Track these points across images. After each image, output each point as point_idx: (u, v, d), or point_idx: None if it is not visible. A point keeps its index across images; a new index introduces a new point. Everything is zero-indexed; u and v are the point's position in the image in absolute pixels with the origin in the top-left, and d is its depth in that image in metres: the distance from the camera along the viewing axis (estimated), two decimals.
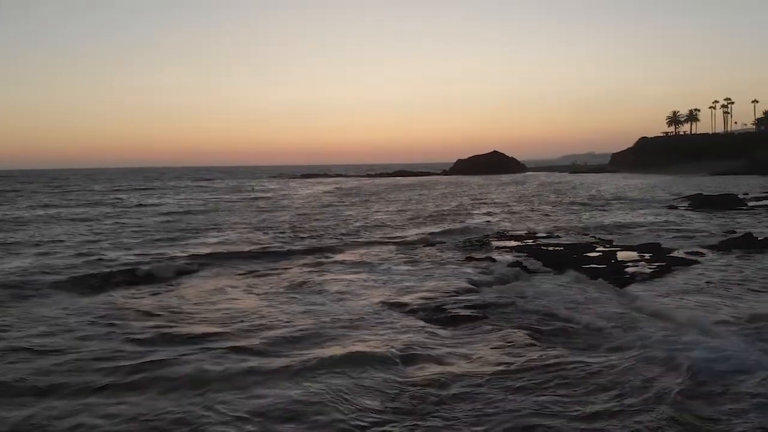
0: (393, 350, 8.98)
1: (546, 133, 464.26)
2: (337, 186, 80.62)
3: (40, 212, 36.93)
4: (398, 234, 23.75)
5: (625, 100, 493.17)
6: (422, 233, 24.02)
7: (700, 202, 34.35)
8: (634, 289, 13.60)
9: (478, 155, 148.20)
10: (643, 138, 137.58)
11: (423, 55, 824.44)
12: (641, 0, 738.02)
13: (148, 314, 11.68)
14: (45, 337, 10.11)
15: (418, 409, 6.96)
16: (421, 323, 11.04)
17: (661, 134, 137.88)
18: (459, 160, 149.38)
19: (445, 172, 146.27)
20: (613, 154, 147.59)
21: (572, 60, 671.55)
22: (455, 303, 12.46)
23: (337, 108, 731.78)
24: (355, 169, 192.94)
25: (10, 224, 29.42)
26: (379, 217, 32.41)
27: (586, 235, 23.28)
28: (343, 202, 45.98)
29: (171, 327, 10.68)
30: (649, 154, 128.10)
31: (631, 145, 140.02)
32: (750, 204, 33.79)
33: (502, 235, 23.23)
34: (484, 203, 43.31)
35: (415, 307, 12.23)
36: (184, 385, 7.72)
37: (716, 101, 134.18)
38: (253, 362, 8.61)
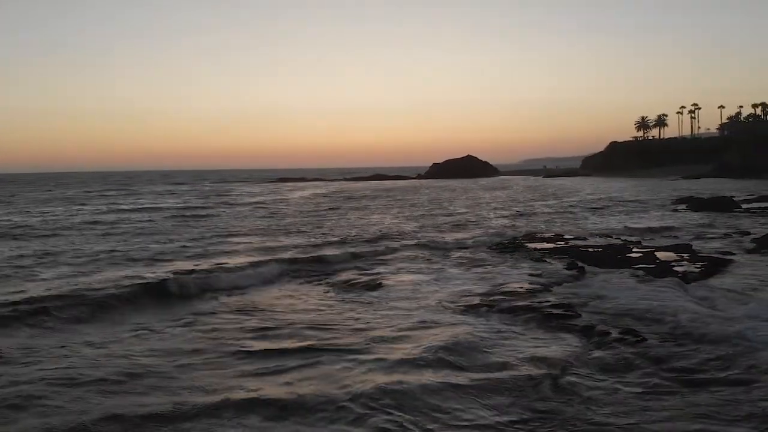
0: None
1: (508, 138, 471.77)
2: (325, 190, 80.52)
3: (41, 219, 36.04)
4: (427, 239, 24.01)
5: (585, 106, 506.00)
6: (452, 237, 24.38)
7: (697, 205, 35.58)
8: (698, 287, 14.21)
9: (453, 159, 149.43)
10: (614, 142, 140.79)
11: (389, 60, 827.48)
12: (606, 8, 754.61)
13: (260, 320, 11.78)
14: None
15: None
16: (521, 325, 11.46)
17: (631, 139, 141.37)
18: (434, 164, 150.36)
19: (420, 176, 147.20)
20: (584, 158, 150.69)
21: (534, 67, 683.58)
22: (540, 303, 12.83)
23: (306, 112, 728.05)
24: (329, 173, 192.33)
25: (20, 230, 28.72)
26: (392, 222, 32.53)
27: (610, 237, 24.01)
28: (340, 207, 45.84)
29: (300, 336, 10.66)
30: (619, 158, 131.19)
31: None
32: (744, 206, 35.15)
33: (533, 237, 23.77)
34: (486, 207, 43.91)
35: (504, 307, 12.62)
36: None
37: (683, 107, 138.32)
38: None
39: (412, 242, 22.77)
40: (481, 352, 9.70)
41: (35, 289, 13.96)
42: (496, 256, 19.83)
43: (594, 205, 41.69)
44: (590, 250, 19.88)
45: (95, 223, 32.29)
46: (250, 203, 51.42)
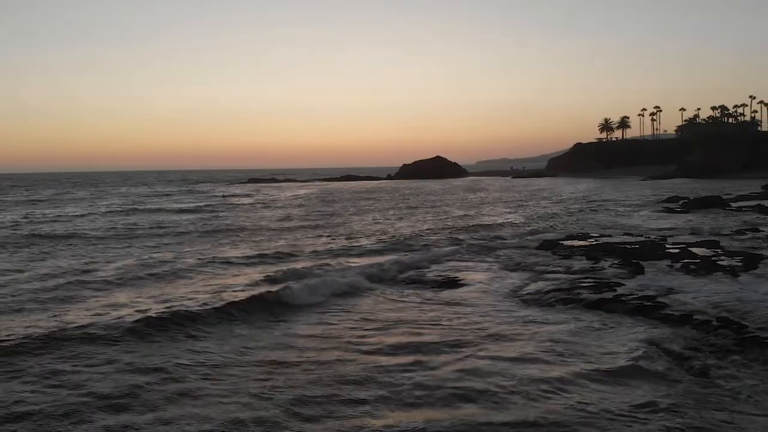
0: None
1: (463, 139, 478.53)
2: (308, 190, 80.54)
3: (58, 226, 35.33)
4: (467, 239, 24.72)
5: (541, 108, 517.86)
6: (489, 237, 25.18)
7: (691, 204, 37.45)
8: (752, 279, 15.40)
9: (423, 160, 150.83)
10: (579, 144, 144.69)
11: (350, 61, 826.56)
12: (566, 10, 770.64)
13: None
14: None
15: None
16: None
17: (595, 140, 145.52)
18: (404, 165, 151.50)
19: (390, 177, 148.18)
20: (550, 159, 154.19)
21: (489, 69, 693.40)
22: (620, 296, 13.73)
23: (264, 112, 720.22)
24: (296, 173, 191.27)
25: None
26: (415, 223, 32.70)
27: (631, 235, 25.29)
28: (338, 211, 45.85)
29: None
30: (584, 159, 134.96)
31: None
32: (733, 205, 37.15)
33: (568, 235, 24.95)
34: (491, 207, 44.93)
35: (589, 300, 13.53)
36: None
37: (644, 109, 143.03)
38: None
39: (457, 244, 23.38)
40: (596, 342, 10.53)
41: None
42: (545, 254, 20.70)
43: (589, 206, 43.12)
44: (628, 246, 21.00)
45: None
46: (254, 203, 51.24)
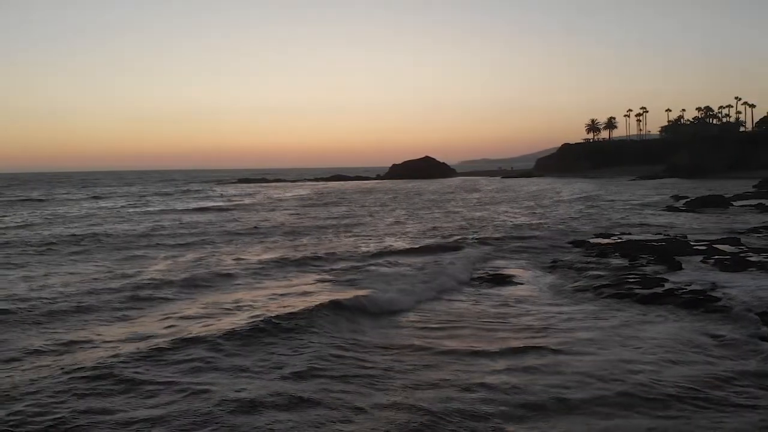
0: None
1: (445, 139, 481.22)
2: (308, 191, 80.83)
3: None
4: (491, 238, 25.43)
5: (522, 108, 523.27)
6: (516, 236, 25.94)
7: (694, 203, 38.61)
8: None
9: (412, 160, 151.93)
10: (566, 144, 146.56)
11: (333, 62, 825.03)
12: (545, 11, 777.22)
13: None
14: None
15: None
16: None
17: (582, 140, 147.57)
18: (394, 165, 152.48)
19: (379, 177, 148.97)
20: (538, 159, 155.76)
21: (472, 69, 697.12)
22: (669, 291, 14.48)
23: (248, 111, 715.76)
24: (281, 174, 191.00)
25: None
26: (429, 225, 32.92)
27: (649, 232, 26.22)
28: (354, 212, 46.07)
29: None
30: (572, 160, 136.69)
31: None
32: (736, 204, 38.40)
33: (589, 234, 25.75)
34: (504, 208, 45.72)
35: (641, 295, 14.26)
36: None
37: (630, 110, 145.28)
38: None
39: (487, 244, 23.97)
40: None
41: None
42: (578, 251, 21.47)
43: (595, 205, 44.06)
44: (654, 244, 21.85)
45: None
46: (261, 203, 51.52)
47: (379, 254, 21.28)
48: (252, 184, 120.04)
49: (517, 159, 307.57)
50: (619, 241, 23.59)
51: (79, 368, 8.80)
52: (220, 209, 45.68)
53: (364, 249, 22.70)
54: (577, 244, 23.13)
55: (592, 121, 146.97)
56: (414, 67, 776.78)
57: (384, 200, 57.17)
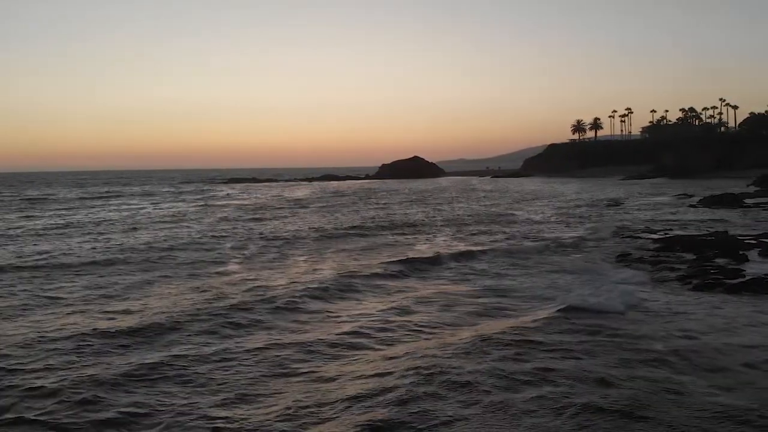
0: None
1: (423, 140, 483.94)
2: (304, 191, 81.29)
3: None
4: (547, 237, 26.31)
5: (491, 111, 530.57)
6: (569, 236, 26.63)
7: (709, 201, 40.20)
8: None
9: (401, 160, 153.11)
10: (553, 144, 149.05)
11: (312, 62, 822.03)
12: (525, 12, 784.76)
13: None
14: None
15: None
16: None
17: (568, 141, 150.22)
18: (384, 165, 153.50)
19: (368, 176, 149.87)
20: (525, 159, 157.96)
21: (445, 71, 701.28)
22: (761, 280, 15.65)
23: (234, 111, 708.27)
24: (268, 173, 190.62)
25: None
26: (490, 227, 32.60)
27: (686, 228, 27.55)
28: (388, 211, 46.25)
29: None
30: (559, 159, 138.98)
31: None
32: (748, 201, 40.08)
33: (635, 232, 26.95)
34: (505, 205, 46.87)
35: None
36: None
37: (615, 111, 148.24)
38: None
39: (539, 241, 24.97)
40: None
41: None
42: (636, 247, 22.45)
43: (606, 205, 45.29)
44: (704, 238, 23.06)
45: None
46: (280, 206, 51.75)
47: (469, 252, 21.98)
48: (246, 184, 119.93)
49: (493, 159, 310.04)
50: (664, 236, 24.77)
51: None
52: (247, 211, 45.97)
53: (445, 247, 23.81)
54: (630, 240, 24.34)
55: (578, 121, 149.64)
56: (392, 67, 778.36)
57: (395, 199, 57.97)
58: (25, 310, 13.13)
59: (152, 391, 8.25)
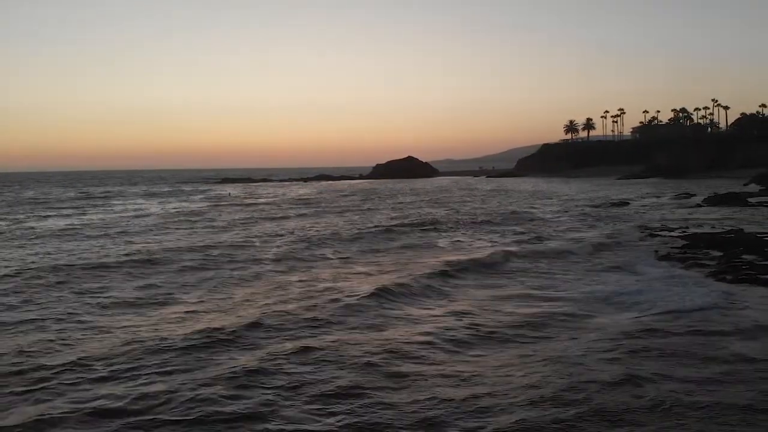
0: None
1: (409, 140, 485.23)
2: (305, 191, 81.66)
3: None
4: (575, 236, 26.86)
5: (475, 111, 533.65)
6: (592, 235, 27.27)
7: (713, 200, 41.19)
8: None
9: (395, 160, 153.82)
10: (547, 144, 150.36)
11: (296, 61, 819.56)
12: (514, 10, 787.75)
13: None
14: None
15: None
16: None
17: (560, 141, 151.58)
18: (378, 165, 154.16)
19: (361, 176, 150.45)
20: (519, 159, 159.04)
21: (431, 72, 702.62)
22: None
23: (223, 111, 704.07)
24: (263, 173, 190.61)
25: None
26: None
27: (701, 226, 28.39)
28: (418, 208, 46.97)
29: None
30: (553, 160, 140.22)
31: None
32: (751, 200, 41.11)
33: (654, 229, 27.77)
34: (516, 204, 47.59)
35: None
36: None
37: (607, 111, 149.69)
38: None
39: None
40: None
41: None
42: (665, 245, 23.15)
43: (610, 204, 46.17)
44: (724, 236, 23.89)
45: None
46: (298, 205, 52.02)
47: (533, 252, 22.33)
48: (240, 184, 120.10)
49: (481, 159, 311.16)
50: (683, 234, 25.56)
51: None
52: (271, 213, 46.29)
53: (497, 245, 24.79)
54: (652, 235, 25.18)
55: (571, 122, 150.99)
56: (381, 67, 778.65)
57: (405, 200, 58.56)
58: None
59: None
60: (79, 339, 11.05)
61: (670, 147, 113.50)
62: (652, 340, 10.69)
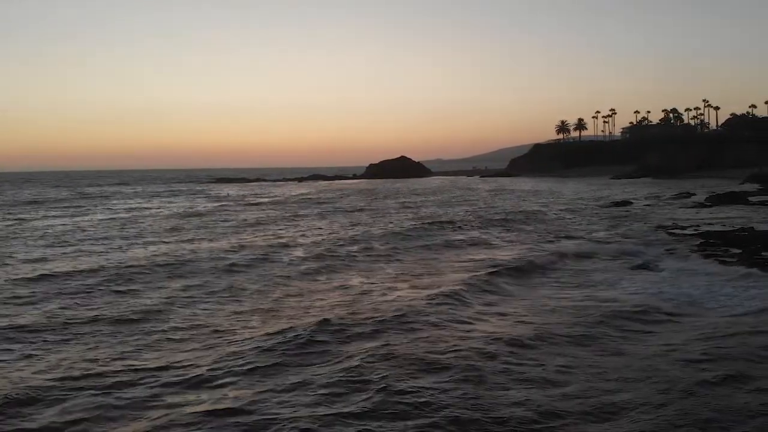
0: None
1: (397, 140, 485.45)
2: (310, 189, 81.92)
3: None
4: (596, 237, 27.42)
5: (464, 111, 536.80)
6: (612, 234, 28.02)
7: (716, 199, 42.17)
8: None
9: (388, 160, 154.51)
10: (538, 144, 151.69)
11: (284, 60, 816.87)
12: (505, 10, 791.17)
13: None
14: None
15: None
16: None
17: (552, 141, 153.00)
18: (371, 165, 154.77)
19: (355, 176, 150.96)
20: (512, 159, 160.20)
21: (419, 72, 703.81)
22: None
23: (212, 110, 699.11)
24: (255, 173, 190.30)
25: None
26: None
27: (711, 224, 29.21)
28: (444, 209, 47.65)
29: None
30: (544, 160, 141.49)
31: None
32: (752, 199, 42.18)
33: (668, 228, 28.58)
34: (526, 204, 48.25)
35: None
36: None
37: (598, 111, 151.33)
38: None
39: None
40: None
41: None
42: (682, 242, 23.97)
43: (613, 204, 46.95)
44: (737, 234, 24.71)
45: None
46: (302, 204, 52.27)
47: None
48: (236, 184, 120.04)
49: (471, 159, 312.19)
50: (695, 233, 26.34)
51: None
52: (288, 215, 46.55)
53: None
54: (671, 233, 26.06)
55: (562, 122, 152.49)
56: (370, 67, 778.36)
57: (418, 199, 58.86)
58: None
59: None
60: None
61: (661, 147, 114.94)
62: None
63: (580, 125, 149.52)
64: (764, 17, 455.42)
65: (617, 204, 46.14)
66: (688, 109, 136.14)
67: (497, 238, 27.61)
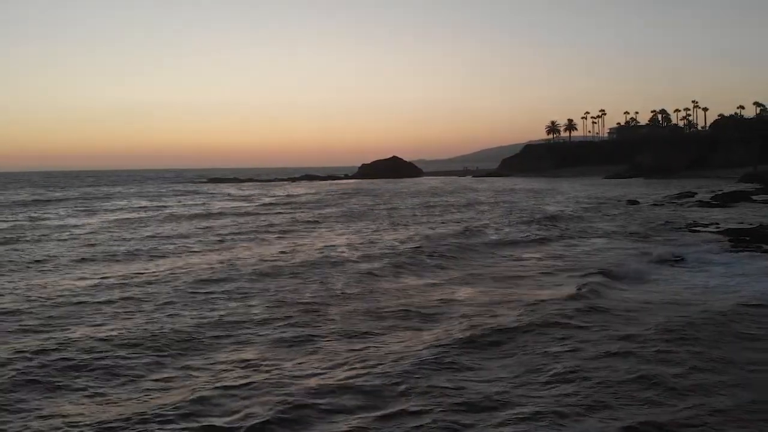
0: None
1: (380, 140, 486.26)
2: (312, 189, 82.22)
3: None
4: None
5: (446, 111, 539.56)
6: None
7: (722, 198, 43.63)
8: None
9: (380, 160, 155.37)
10: (530, 144, 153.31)
11: (273, 60, 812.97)
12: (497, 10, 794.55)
13: None
14: None
15: None
16: None
17: (543, 141, 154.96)
18: (363, 165, 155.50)
19: (347, 176, 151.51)
20: (503, 159, 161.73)
21: (399, 71, 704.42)
22: None
23: (203, 110, 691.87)
24: (247, 173, 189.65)
25: None
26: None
27: (728, 223, 30.49)
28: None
29: None
30: (536, 159, 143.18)
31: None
32: (754, 198, 43.73)
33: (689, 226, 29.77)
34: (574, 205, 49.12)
35: None
36: None
37: (587, 112, 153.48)
38: None
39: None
40: None
41: None
42: (707, 240, 25.19)
43: (621, 203, 48.10)
44: (758, 231, 25.90)
45: None
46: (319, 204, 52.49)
47: None
48: (232, 184, 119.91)
49: (455, 159, 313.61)
50: (718, 230, 27.54)
51: None
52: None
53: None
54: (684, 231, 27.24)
55: (552, 122, 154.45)
56: (360, 68, 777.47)
57: (441, 203, 58.54)
58: None
59: None
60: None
61: (655, 147, 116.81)
62: None
63: (571, 126, 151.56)
64: (752, 18, 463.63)
65: (629, 203, 46.93)
66: (677, 110, 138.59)
67: (564, 246, 25.73)
